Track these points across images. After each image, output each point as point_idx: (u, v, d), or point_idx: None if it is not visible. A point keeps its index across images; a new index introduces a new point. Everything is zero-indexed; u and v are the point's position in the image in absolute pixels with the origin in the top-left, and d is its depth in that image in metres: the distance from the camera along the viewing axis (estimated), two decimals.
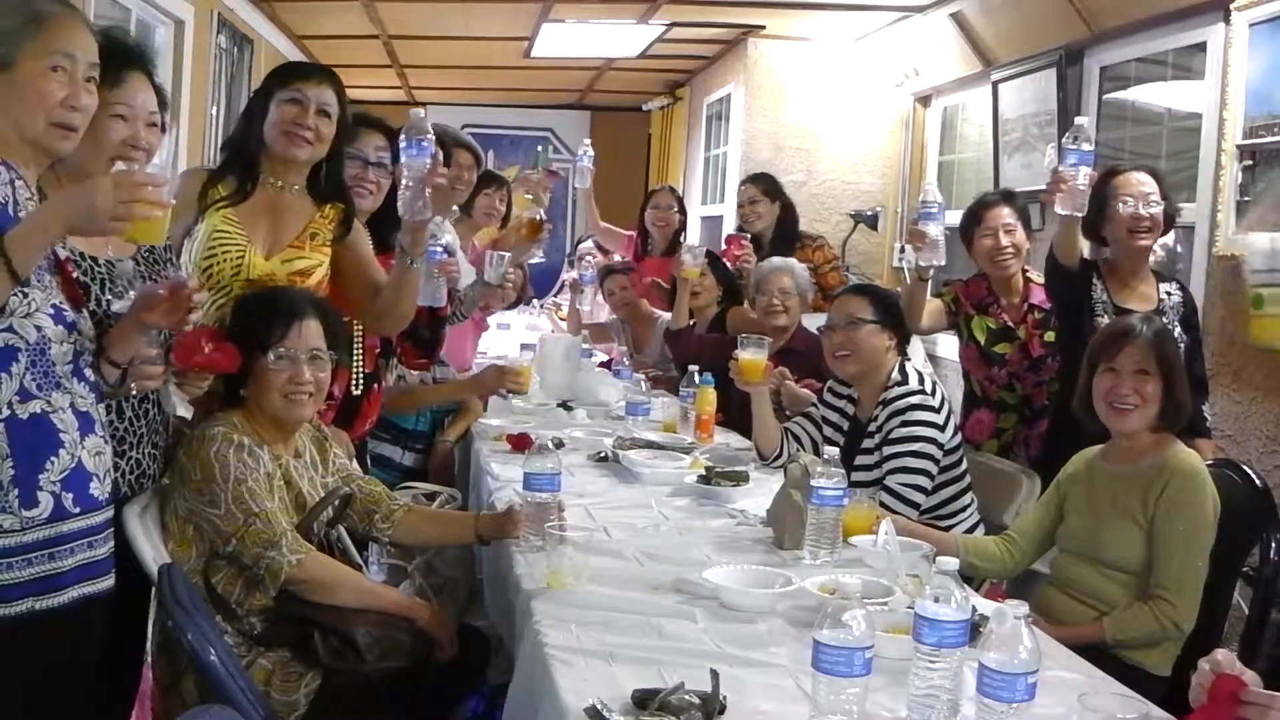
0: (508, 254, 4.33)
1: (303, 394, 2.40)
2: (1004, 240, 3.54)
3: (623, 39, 6.83)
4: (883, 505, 2.79)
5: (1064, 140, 2.98)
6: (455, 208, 3.96)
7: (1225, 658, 1.56)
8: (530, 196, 4.98)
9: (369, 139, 3.16)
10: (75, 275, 2.08)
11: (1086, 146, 2.95)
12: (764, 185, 5.26)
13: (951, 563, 1.80)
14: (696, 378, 3.93)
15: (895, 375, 3.08)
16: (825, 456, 2.53)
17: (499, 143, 9.83)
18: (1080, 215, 3.07)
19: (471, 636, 2.54)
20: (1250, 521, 2.64)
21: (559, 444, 3.39)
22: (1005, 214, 3.57)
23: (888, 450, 2.99)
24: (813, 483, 2.46)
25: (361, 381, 3.08)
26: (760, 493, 2.94)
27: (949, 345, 3.95)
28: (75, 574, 1.94)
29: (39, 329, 1.89)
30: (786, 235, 5.01)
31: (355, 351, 3.04)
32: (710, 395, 3.80)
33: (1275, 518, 2.65)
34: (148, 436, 2.30)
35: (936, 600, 1.67)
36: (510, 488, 2.96)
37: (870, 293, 3.22)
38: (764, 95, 6.62)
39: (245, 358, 2.32)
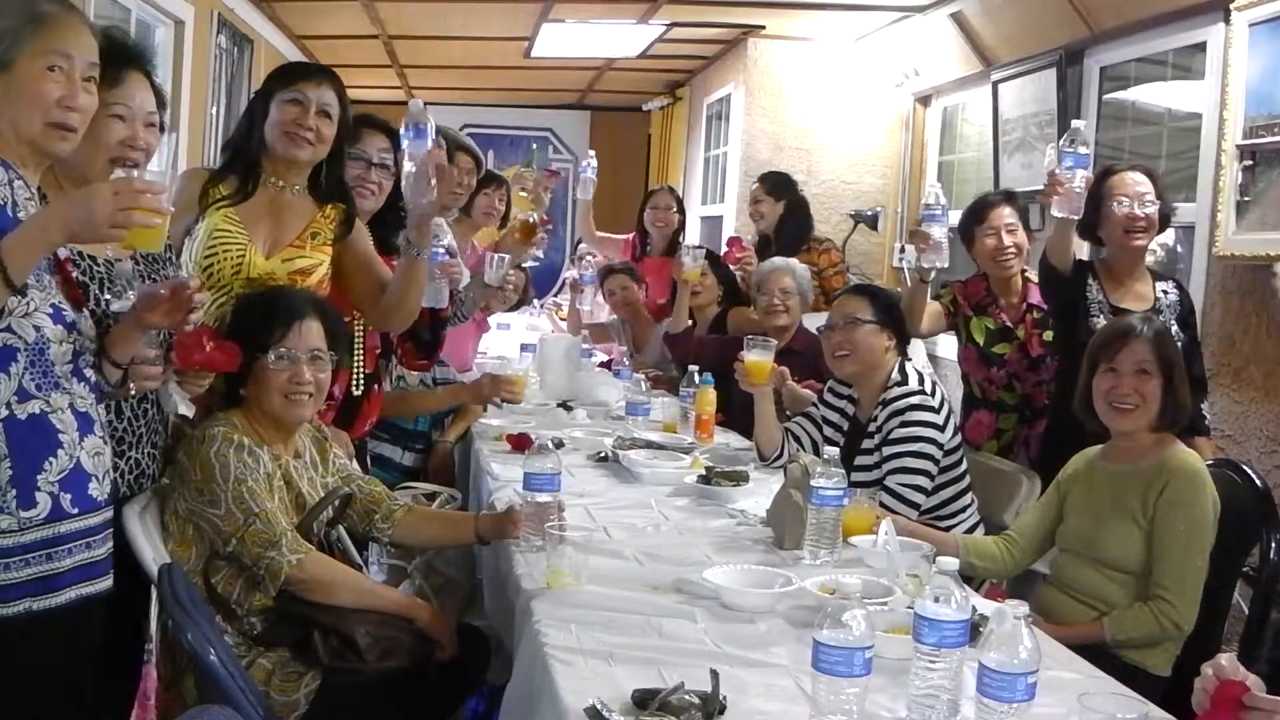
0: (508, 256, 4.33)
1: (303, 394, 2.40)
2: (1006, 240, 3.55)
3: (623, 39, 6.83)
4: (883, 505, 2.79)
5: (1061, 143, 3.00)
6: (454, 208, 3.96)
7: (1229, 663, 1.56)
8: (524, 193, 4.98)
9: (372, 140, 3.16)
10: (74, 275, 2.08)
11: (1084, 149, 2.96)
12: (768, 184, 5.27)
13: (951, 563, 1.80)
14: (696, 378, 3.93)
15: (895, 375, 3.08)
16: (825, 456, 2.53)
17: (499, 143, 9.83)
18: (1077, 218, 3.08)
19: (471, 636, 2.54)
20: (1250, 521, 2.64)
21: (559, 444, 3.39)
22: (1007, 214, 3.58)
23: (887, 450, 2.99)
24: (813, 483, 2.46)
25: (362, 382, 3.08)
26: (760, 493, 2.94)
27: (949, 345, 3.96)
28: (73, 575, 1.94)
29: (38, 329, 1.89)
30: (793, 235, 4.99)
31: (356, 352, 3.04)
32: (710, 395, 3.80)
33: (1275, 518, 2.65)
34: (147, 436, 2.30)
35: (936, 600, 1.67)
36: (510, 488, 2.96)
37: (870, 293, 3.22)
38: (764, 95, 6.62)
39: (245, 357, 2.32)
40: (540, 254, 5.17)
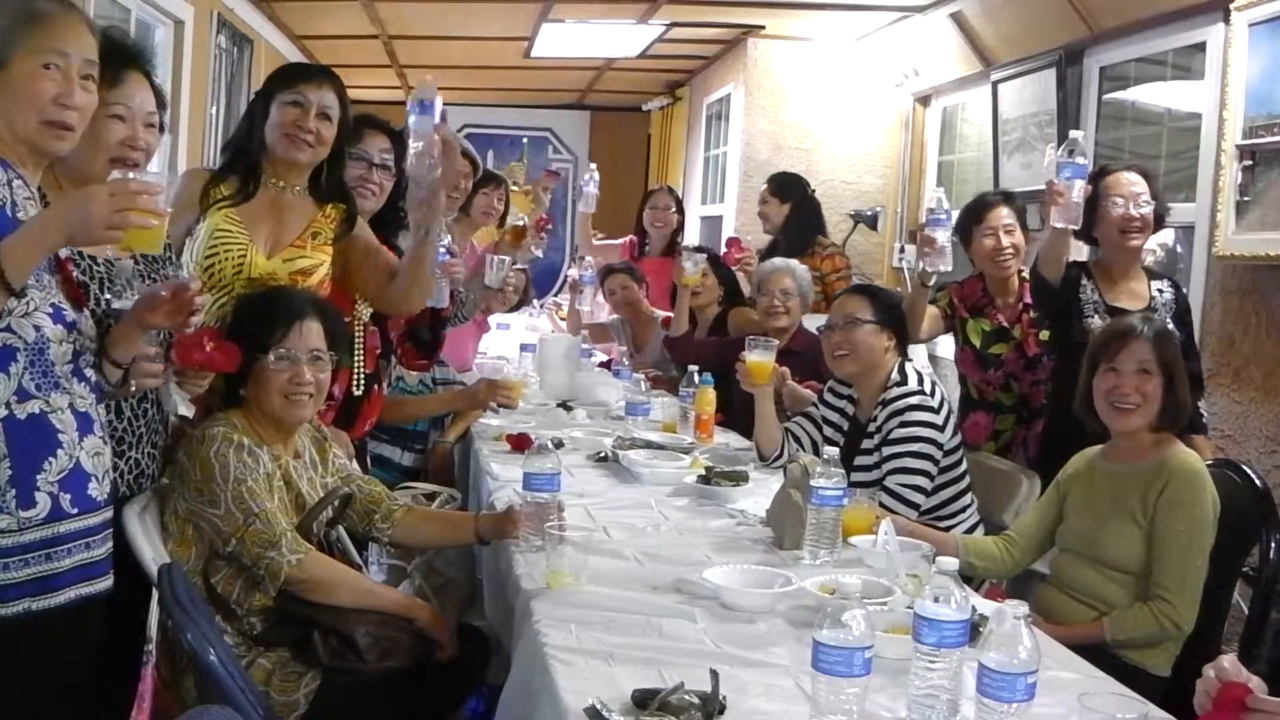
0: (508, 258, 4.33)
1: (303, 395, 2.40)
2: (1004, 241, 3.56)
3: (623, 39, 6.83)
4: (882, 505, 2.79)
5: (1059, 154, 3.00)
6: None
7: (1231, 664, 1.55)
8: (516, 186, 4.98)
9: (373, 140, 3.16)
10: (75, 275, 2.08)
11: (1081, 160, 2.97)
12: (774, 185, 5.26)
13: (951, 563, 1.80)
14: (696, 378, 3.93)
15: (895, 376, 3.08)
16: (825, 456, 2.53)
17: (499, 143, 9.84)
18: (1076, 228, 3.08)
19: (471, 636, 2.54)
20: (1250, 521, 2.64)
21: (558, 444, 3.39)
22: (1005, 214, 3.59)
23: (887, 450, 2.99)
24: (812, 483, 2.46)
25: (362, 382, 3.08)
26: (760, 493, 2.94)
27: (949, 345, 3.96)
28: (73, 575, 1.94)
29: (37, 329, 1.89)
30: (798, 236, 4.98)
31: (356, 352, 3.04)
32: (710, 395, 3.80)
33: (1275, 518, 2.65)
34: (147, 436, 2.30)
35: (936, 600, 1.67)
36: (510, 488, 2.96)
37: (870, 293, 3.22)
38: (764, 95, 6.62)
39: (246, 358, 2.32)
40: (540, 253, 5.19)
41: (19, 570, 1.87)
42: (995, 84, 5.25)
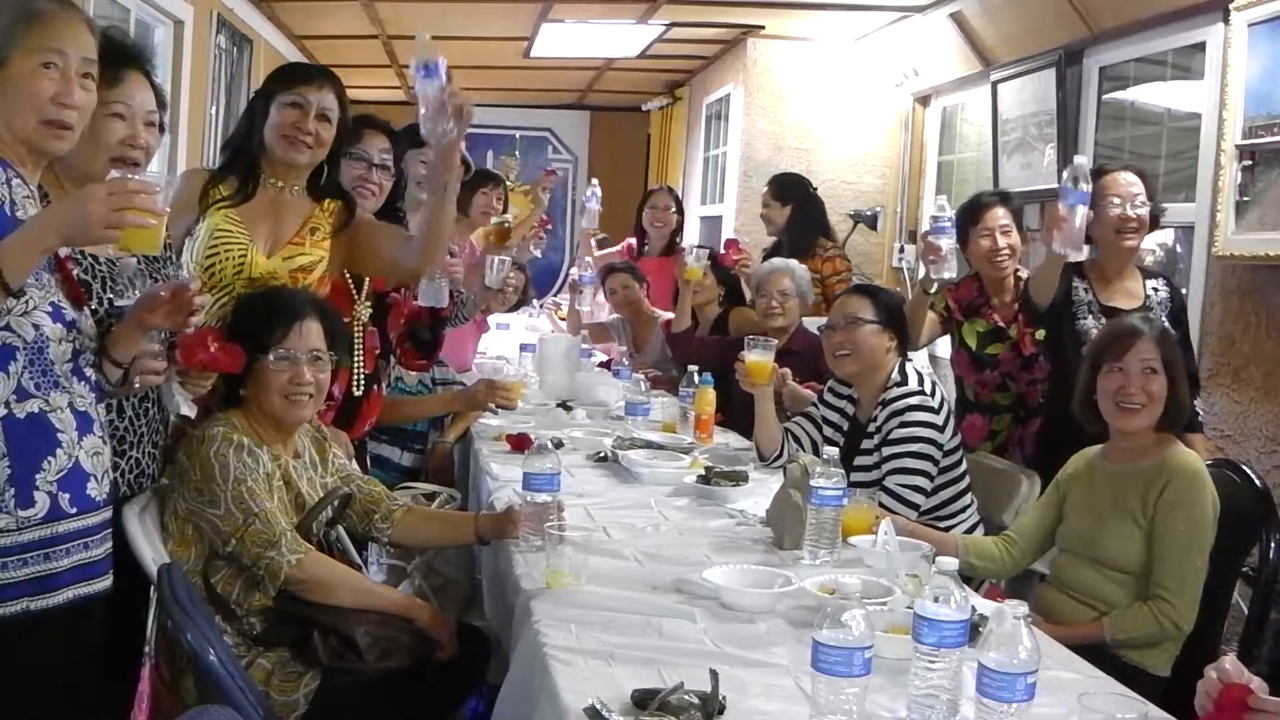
0: (508, 259, 4.34)
1: (303, 395, 2.40)
2: (1001, 242, 3.57)
3: (622, 39, 6.83)
4: (882, 506, 2.79)
5: (1063, 180, 2.98)
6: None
7: (1233, 665, 1.55)
8: (513, 180, 4.98)
9: (373, 140, 3.16)
10: (76, 273, 2.08)
11: (1085, 187, 2.95)
12: (774, 188, 5.26)
13: (951, 563, 1.80)
14: (696, 378, 3.93)
15: (895, 376, 3.08)
16: (825, 456, 2.53)
17: (499, 143, 9.84)
18: (1078, 256, 3.06)
19: (471, 636, 2.54)
20: (1250, 521, 2.64)
21: (558, 444, 3.39)
22: (1002, 215, 3.59)
23: (887, 451, 2.99)
24: (812, 483, 2.46)
25: (362, 382, 3.08)
26: (760, 493, 2.94)
27: (949, 346, 3.96)
28: (71, 574, 1.94)
29: (37, 327, 1.89)
30: (800, 236, 4.97)
31: (355, 352, 3.04)
32: (710, 395, 3.80)
33: (1275, 518, 2.65)
34: (148, 436, 2.30)
35: (936, 600, 1.67)
36: (510, 488, 2.96)
37: (871, 293, 3.22)
38: (764, 95, 6.62)
39: (246, 358, 2.32)
40: (539, 253, 5.19)
41: (17, 570, 1.87)
42: (995, 84, 5.25)
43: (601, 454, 3.48)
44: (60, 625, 1.93)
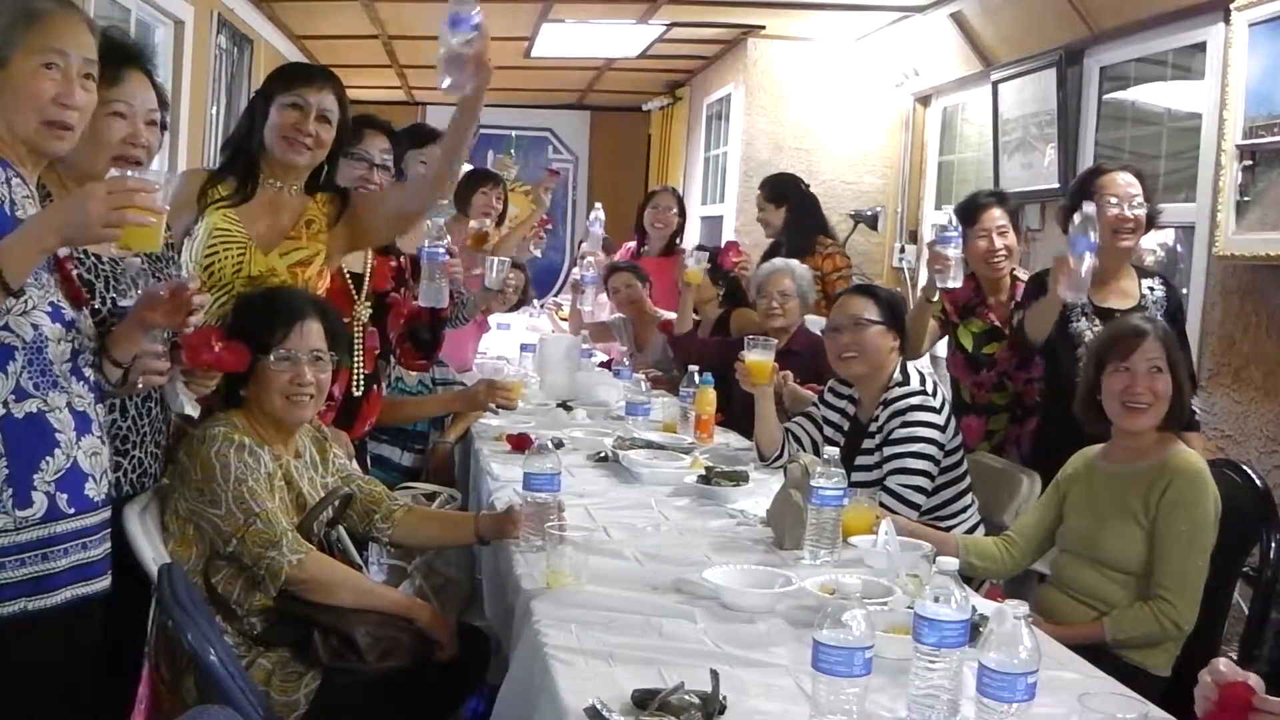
0: (507, 259, 4.34)
1: (304, 395, 2.40)
2: (998, 243, 3.57)
3: (623, 39, 6.83)
4: (883, 506, 2.79)
5: (1072, 228, 2.97)
6: (443, 202, 3.94)
7: (1227, 667, 1.55)
8: (509, 174, 4.97)
9: (374, 140, 3.16)
10: (79, 272, 2.08)
11: (1093, 235, 2.94)
12: (767, 191, 5.27)
13: (951, 563, 1.80)
14: (696, 378, 3.93)
15: (897, 375, 3.08)
16: (825, 456, 2.53)
17: (499, 143, 9.83)
18: (1079, 301, 3.06)
19: (471, 636, 2.54)
20: (1250, 521, 2.64)
21: (559, 444, 3.39)
22: (998, 216, 3.60)
23: (888, 451, 2.99)
24: (813, 483, 2.46)
25: (361, 382, 3.08)
26: (760, 493, 2.93)
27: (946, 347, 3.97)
28: (69, 574, 1.94)
29: (35, 327, 1.89)
30: (800, 236, 4.97)
31: (355, 352, 3.04)
32: (710, 395, 3.80)
33: (1275, 518, 2.65)
34: (150, 436, 2.30)
35: (936, 600, 1.67)
36: (510, 488, 2.96)
37: (873, 293, 3.21)
38: (764, 95, 6.62)
39: (250, 356, 2.33)
40: (539, 253, 5.19)
41: (15, 570, 1.86)
42: (995, 84, 5.25)
43: (602, 454, 3.48)
44: (59, 625, 1.93)
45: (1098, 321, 3.25)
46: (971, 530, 3.03)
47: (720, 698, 1.69)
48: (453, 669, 2.43)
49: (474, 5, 2.27)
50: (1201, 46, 4.01)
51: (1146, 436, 2.60)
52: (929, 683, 1.67)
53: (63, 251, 2.01)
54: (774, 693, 1.79)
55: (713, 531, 2.73)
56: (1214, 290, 3.84)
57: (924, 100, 6.46)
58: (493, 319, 5.30)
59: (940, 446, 2.98)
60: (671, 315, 4.91)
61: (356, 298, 3.08)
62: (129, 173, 1.84)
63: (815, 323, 4.23)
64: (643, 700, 1.68)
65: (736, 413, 3.89)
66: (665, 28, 6.43)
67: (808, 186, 5.33)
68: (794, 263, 4.38)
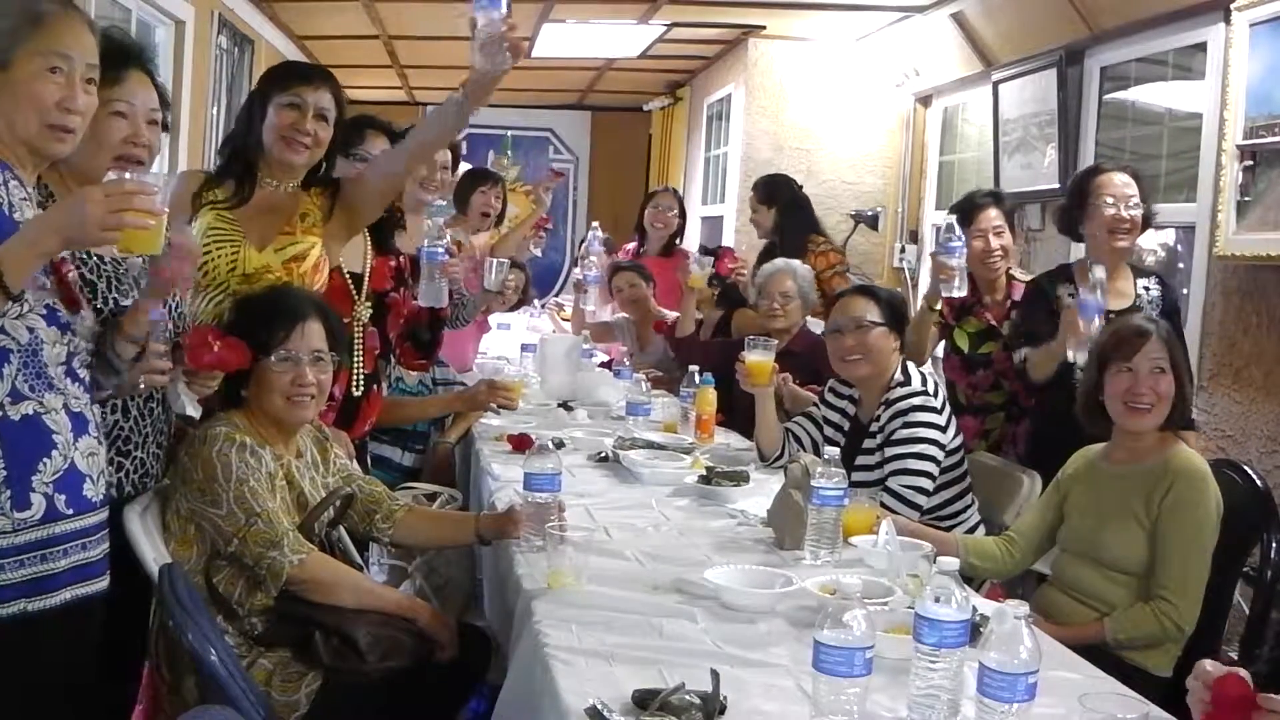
0: (505, 261, 4.34)
1: (305, 396, 2.40)
2: (994, 243, 3.58)
3: (623, 39, 6.83)
4: (884, 506, 2.79)
5: (1082, 292, 2.99)
6: (441, 203, 3.95)
7: (1213, 666, 1.56)
8: (507, 175, 4.98)
9: (374, 141, 3.16)
10: (81, 272, 2.08)
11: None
12: (759, 192, 5.28)
13: (952, 563, 1.80)
14: (697, 378, 3.93)
15: (898, 376, 3.07)
16: (825, 456, 2.53)
17: (499, 143, 9.85)
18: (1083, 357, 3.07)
19: (472, 636, 2.53)
20: (1251, 521, 2.64)
21: (559, 444, 3.39)
22: (994, 216, 3.61)
23: (890, 451, 2.98)
24: (813, 483, 2.46)
25: (361, 382, 3.08)
26: (761, 493, 2.93)
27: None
28: (69, 575, 1.94)
29: (31, 330, 1.89)
30: (794, 237, 4.97)
31: (356, 352, 3.04)
32: (710, 395, 3.80)
33: (1276, 518, 2.65)
34: (152, 437, 2.30)
35: (937, 600, 1.67)
36: (510, 488, 2.96)
37: (873, 294, 3.20)
38: (764, 95, 6.62)
39: (251, 353, 2.33)
40: (540, 253, 5.19)
41: (14, 571, 1.87)
42: (996, 84, 5.25)
43: (602, 454, 3.48)
44: (59, 626, 1.93)
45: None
46: (972, 530, 3.03)
47: (721, 698, 1.69)
48: (453, 669, 2.43)
49: None
50: (1202, 46, 4.01)
51: (1148, 437, 2.60)
52: (929, 683, 1.67)
53: (64, 252, 2.01)
54: (774, 693, 1.79)
55: (713, 532, 2.73)
56: (1214, 290, 3.84)
57: (924, 100, 6.46)
58: (493, 319, 5.30)
59: (941, 447, 2.98)
60: (675, 314, 4.91)
61: (356, 298, 3.08)
62: (127, 175, 1.84)
63: (816, 324, 4.23)
64: (643, 700, 1.68)
65: (740, 419, 3.89)
66: (666, 28, 6.43)
67: (800, 188, 5.33)
68: (795, 263, 4.38)
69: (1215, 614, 2.58)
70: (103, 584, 2.02)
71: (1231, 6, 3.65)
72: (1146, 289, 3.33)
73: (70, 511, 1.93)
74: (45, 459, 1.90)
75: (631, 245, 5.68)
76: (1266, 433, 3.61)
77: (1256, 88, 3.54)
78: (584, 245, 5.38)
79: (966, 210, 3.65)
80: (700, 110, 7.87)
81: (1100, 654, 2.27)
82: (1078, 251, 3.75)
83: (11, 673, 1.90)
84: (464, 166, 4.75)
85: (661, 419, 3.98)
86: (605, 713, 1.64)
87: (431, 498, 3.35)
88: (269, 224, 2.68)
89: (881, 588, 2.19)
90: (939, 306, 3.49)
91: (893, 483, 2.95)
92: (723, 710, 1.69)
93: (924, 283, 6.16)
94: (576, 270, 5.95)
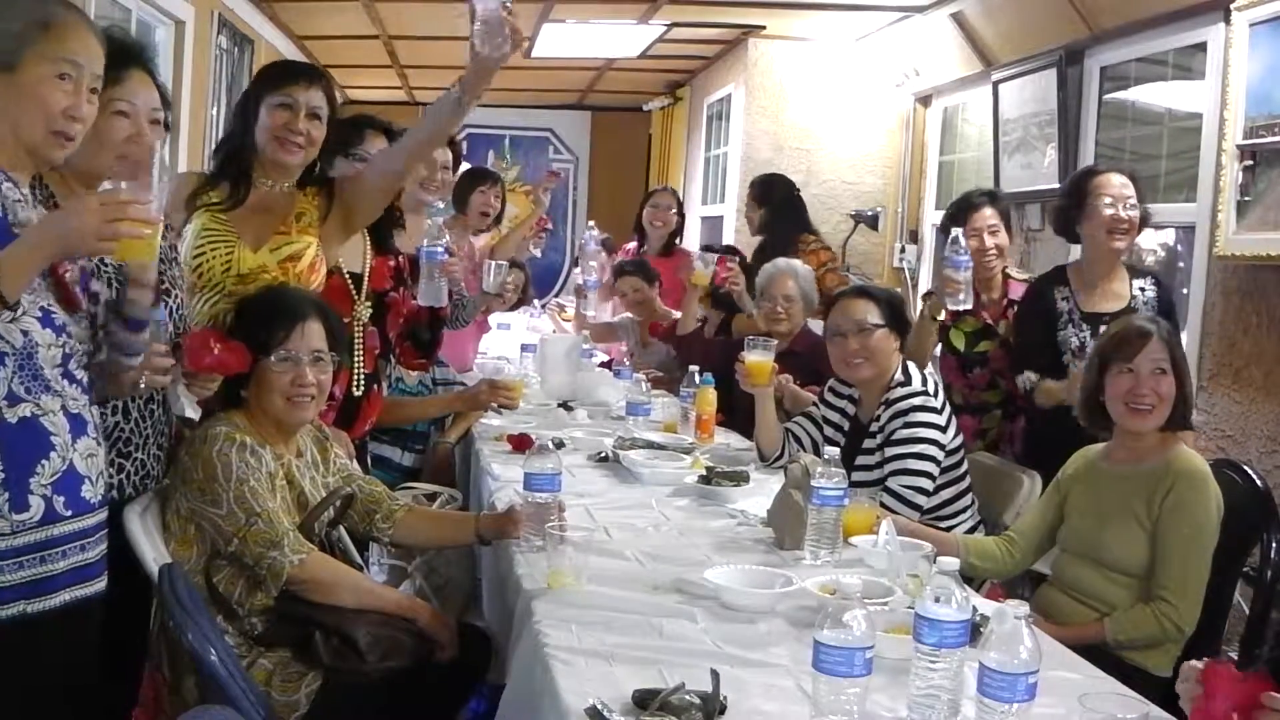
0: (504, 263, 4.34)
1: (305, 396, 2.40)
2: (989, 242, 3.59)
3: (623, 39, 6.83)
4: (884, 507, 2.79)
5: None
6: (442, 204, 3.95)
7: (1191, 669, 1.57)
8: (510, 176, 4.98)
9: (373, 141, 3.16)
10: (82, 264, 2.07)
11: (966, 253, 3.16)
12: (752, 190, 5.29)
13: (952, 563, 1.80)
14: (697, 378, 3.93)
15: (898, 375, 3.07)
16: (825, 456, 2.53)
17: (499, 143, 9.84)
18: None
19: (472, 636, 2.53)
20: (1251, 521, 2.64)
21: (559, 444, 3.39)
22: (989, 215, 3.62)
23: (890, 451, 2.98)
24: (813, 483, 2.46)
25: (362, 382, 3.08)
26: (761, 493, 2.93)
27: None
28: (68, 577, 1.93)
29: (25, 333, 1.88)
30: (779, 237, 4.95)
31: (356, 352, 3.04)
32: (710, 395, 3.80)
33: (1275, 518, 2.65)
34: (153, 438, 2.30)
35: (937, 600, 1.67)
36: (510, 488, 2.96)
37: (872, 295, 3.19)
38: (764, 95, 6.62)
39: (251, 355, 2.32)
40: (539, 253, 5.19)
41: (13, 573, 1.86)
42: (996, 84, 5.25)
43: (602, 454, 3.48)
44: (58, 627, 1.93)
45: (1085, 328, 3.27)
46: (971, 530, 3.03)
47: (720, 698, 1.69)
48: (453, 669, 2.43)
49: None
50: (1202, 46, 4.01)
51: (1149, 438, 2.60)
52: (929, 683, 1.67)
53: None
54: (774, 693, 1.79)
55: (713, 532, 2.73)
56: (1214, 290, 3.83)
57: (924, 100, 6.46)
58: (493, 319, 5.30)
59: (941, 447, 2.98)
60: (678, 314, 4.91)
61: (356, 297, 3.08)
62: (122, 184, 1.85)
63: (815, 324, 4.22)
64: (643, 700, 1.68)
65: (740, 420, 3.88)
66: (665, 28, 6.43)
67: (797, 189, 5.33)
68: (796, 263, 4.37)
69: (1215, 614, 2.58)
70: (101, 585, 2.01)
71: (1231, 6, 3.65)
72: (1142, 290, 3.33)
73: (69, 513, 1.93)
74: (43, 461, 1.90)
75: (631, 245, 5.69)
76: (1266, 433, 3.61)
77: (1256, 88, 3.54)
78: (581, 246, 5.39)
79: (961, 209, 3.66)
80: (700, 110, 7.87)
81: (1100, 654, 2.27)
82: (1076, 252, 3.75)
83: (11, 674, 1.90)
84: (463, 166, 4.75)
85: (661, 419, 3.98)
86: (605, 713, 1.64)
87: (431, 498, 3.35)
88: (264, 224, 2.68)
89: (881, 588, 2.19)
90: (942, 317, 3.49)
91: (893, 483, 2.95)
92: (723, 710, 1.69)
93: (924, 283, 6.17)
94: (577, 271, 5.96)
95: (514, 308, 5.26)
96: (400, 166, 2.80)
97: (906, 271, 6.40)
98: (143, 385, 2.10)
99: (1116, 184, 3.27)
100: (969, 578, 2.66)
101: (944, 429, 3.00)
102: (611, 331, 5.45)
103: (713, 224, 7.44)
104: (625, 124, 9.73)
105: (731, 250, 5.03)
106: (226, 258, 2.62)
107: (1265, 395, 3.62)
